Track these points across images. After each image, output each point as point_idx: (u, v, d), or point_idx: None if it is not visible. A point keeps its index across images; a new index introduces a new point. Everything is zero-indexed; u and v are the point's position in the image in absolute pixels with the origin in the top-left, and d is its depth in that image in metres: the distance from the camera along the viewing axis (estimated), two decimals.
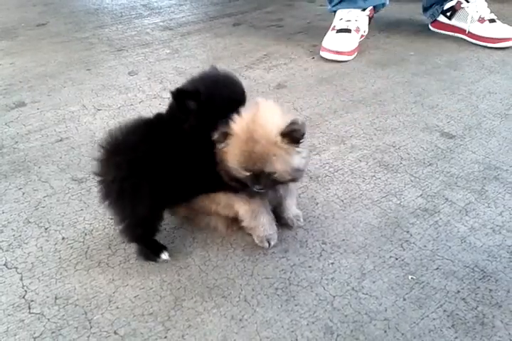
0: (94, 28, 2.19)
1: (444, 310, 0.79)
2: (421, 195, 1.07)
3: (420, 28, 1.98)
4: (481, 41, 1.77)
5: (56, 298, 0.83)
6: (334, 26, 1.83)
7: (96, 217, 1.02)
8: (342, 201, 1.05)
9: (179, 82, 1.59)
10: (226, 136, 0.79)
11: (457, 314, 0.79)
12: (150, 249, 0.90)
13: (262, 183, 0.80)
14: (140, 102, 1.50)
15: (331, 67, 1.68)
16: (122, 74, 1.71)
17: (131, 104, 1.49)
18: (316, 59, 1.76)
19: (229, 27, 2.14)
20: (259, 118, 0.78)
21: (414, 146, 1.24)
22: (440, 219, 1.00)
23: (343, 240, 0.95)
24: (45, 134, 1.34)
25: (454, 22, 1.86)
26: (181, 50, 1.89)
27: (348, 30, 1.78)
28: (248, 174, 0.79)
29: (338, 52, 1.72)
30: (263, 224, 0.92)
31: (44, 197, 1.09)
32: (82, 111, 1.46)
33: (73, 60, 1.84)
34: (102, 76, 1.70)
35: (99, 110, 1.46)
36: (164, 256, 0.89)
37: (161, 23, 2.21)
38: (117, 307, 0.81)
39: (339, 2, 1.85)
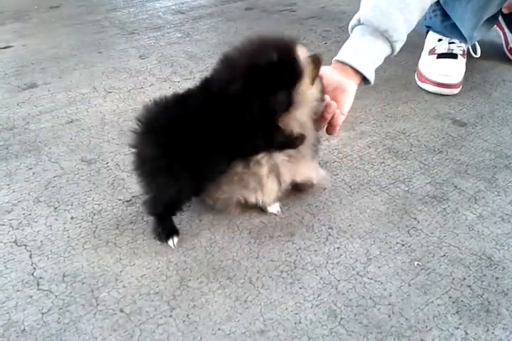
0: (107, 11, 2.19)
1: (450, 297, 0.79)
2: (430, 182, 1.06)
3: None
4: None
5: (64, 276, 0.84)
6: (433, 49, 1.50)
7: (105, 198, 1.03)
8: (350, 187, 1.05)
9: (190, 65, 1.60)
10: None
11: (462, 301, 0.79)
12: (163, 229, 0.91)
13: None
14: (150, 85, 1.50)
15: None
16: (133, 57, 1.70)
17: (142, 87, 1.49)
18: (329, 44, 1.74)
19: (241, 11, 2.13)
20: None
21: (425, 133, 1.23)
22: (448, 206, 0.99)
23: (350, 225, 0.95)
24: (56, 115, 1.34)
25: None
26: (192, 34, 1.88)
27: (453, 56, 1.46)
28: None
29: (445, 85, 1.40)
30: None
31: (54, 177, 1.10)
32: (93, 93, 1.46)
33: (85, 43, 1.84)
34: (113, 59, 1.70)
35: (109, 92, 1.46)
36: (171, 242, 0.90)
37: (173, 7, 2.20)
38: (124, 286, 0.82)
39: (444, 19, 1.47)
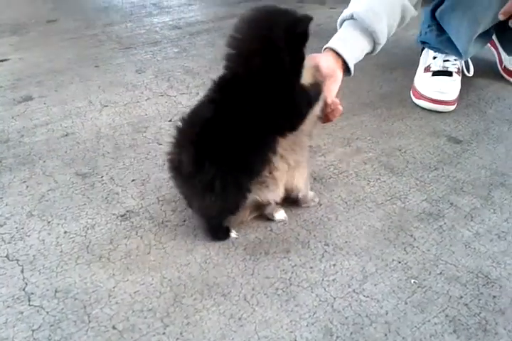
0: (104, 25, 2.19)
1: (446, 315, 0.79)
2: (426, 199, 1.06)
3: None
4: None
5: (56, 291, 0.83)
6: (428, 66, 1.51)
7: (98, 212, 1.02)
8: (346, 203, 1.05)
9: (186, 80, 1.61)
10: None
11: (459, 319, 0.78)
12: (220, 229, 0.93)
13: None
14: (146, 99, 1.50)
15: None
16: (130, 71, 1.71)
17: (138, 101, 1.49)
18: None
19: None
20: None
21: (421, 150, 1.23)
22: (445, 223, 0.99)
23: (346, 242, 0.94)
24: (51, 129, 1.34)
25: None
26: (189, 49, 1.89)
27: (448, 73, 1.47)
28: None
29: (440, 102, 1.41)
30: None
31: (48, 190, 1.09)
32: (89, 107, 1.46)
33: (82, 57, 1.84)
34: (110, 73, 1.70)
35: (105, 106, 1.46)
36: (233, 234, 0.93)
37: (171, 22, 2.21)
38: (117, 303, 0.81)
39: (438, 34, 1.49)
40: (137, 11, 2.38)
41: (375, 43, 1.10)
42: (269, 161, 0.86)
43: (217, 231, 0.94)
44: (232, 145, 0.81)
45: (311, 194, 1.03)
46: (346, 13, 1.10)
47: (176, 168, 0.87)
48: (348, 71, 1.07)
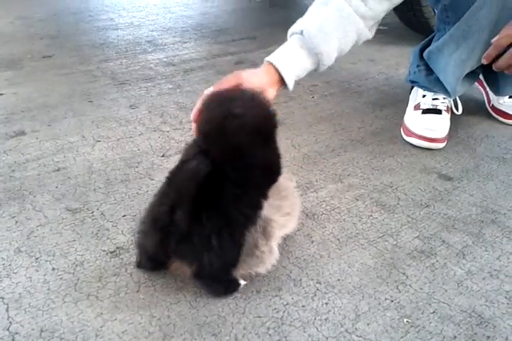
0: (99, 61, 2.23)
1: None
2: (418, 236, 1.06)
3: None
4: None
5: (42, 331, 0.81)
6: (418, 104, 1.53)
7: (88, 248, 1.01)
8: (338, 240, 1.04)
9: (180, 116, 1.62)
10: None
11: None
12: (229, 281, 0.89)
13: None
14: (140, 135, 1.51)
15: (330, 107, 1.70)
16: (123, 107, 1.72)
17: (131, 136, 1.49)
18: (316, 98, 1.78)
19: (231, 65, 2.18)
20: None
21: (412, 187, 1.24)
22: (437, 261, 0.98)
23: (338, 280, 0.93)
24: (43, 163, 1.34)
25: None
26: (183, 86, 1.92)
27: (437, 111, 1.49)
28: None
29: (430, 140, 1.42)
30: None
31: (37, 226, 1.08)
32: (81, 141, 1.46)
33: (76, 92, 1.86)
34: (103, 108, 1.71)
35: (98, 141, 1.46)
36: (242, 281, 0.89)
37: (165, 59, 2.25)
38: None
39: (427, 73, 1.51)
40: (132, 47, 2.43)
41: (319, 64, 1.10)
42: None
43: (229, 285, 0.89)
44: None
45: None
46: (298, 27, 1.10)
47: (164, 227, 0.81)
48: (285, 85, 1.07)
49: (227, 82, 0.96)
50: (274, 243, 0.89)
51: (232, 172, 0.79)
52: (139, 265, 0.94)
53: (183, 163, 0.81)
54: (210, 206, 0.79)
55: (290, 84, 1.07)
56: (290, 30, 1.12)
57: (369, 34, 1.17)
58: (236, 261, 0.84)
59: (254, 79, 1.00)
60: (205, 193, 0.77)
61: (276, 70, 1.04)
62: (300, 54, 1.08)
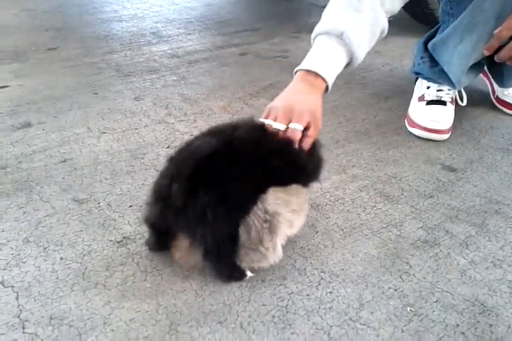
0: (104, 53, 2.23)
1: None
2: (421, 226, 1.07)
3: None
4: None
5: (51, 319, 0.82)
6: (422, 96, 1.54)
7: (95, 238, 1.02)
8: (342, 230, 1.05)
9: (184, 107, 1.63)
10: None
11: None
12: (235, 267, 0.89)
13: None
14: (145, 126, 1.51)
15: (334, 98, 1.71)
16: (128, 98, 1.73)
17: (136, 128, 1.50)
18: None
19: (235, 56, 2.19)
20: None
21: (416, 178, 1.24)
22: (440, 251, 0.99)
23: (342, 269, 0.94)
24: (49, 155, 1.35)
25: None
26: (188, 77, 1.92)
27: (442, 102, 1.50)
28: None
29: (434, 131, 1.42)
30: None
31: (44, 216, 1.09)
32: (87, 133, 1.47)
33: (81, 84, 1.87)
34: (109, 100, 1.72)
35: (103, 133, 1.47)
36: (249, 273, 0.90)
37: (169, 51, 2.25)
38: (112, 330, 0.80)
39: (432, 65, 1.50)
40: (136, 39, 2.43)
41: (351, 64, 1.06)
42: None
43: (233, 271, 0.90)
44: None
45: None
46: (333, 28, 1.02)
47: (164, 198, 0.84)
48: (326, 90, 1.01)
49: (278, 118, 0.92)
50: (280, 240, 0.89)
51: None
52: (148, 245, 0.98)
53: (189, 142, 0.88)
54: (211, 183, 0.82)
55: (331, 87, 1.02)
56: (318, 30, 1.05)
57: (386, 31, 1.14)
58: (233, 243, 0.85)
59: (303, 105, 0.94)
60: (208, 171, 0.81)
61: (318, 76, 0.98)
62: (339, 58, 1.02)
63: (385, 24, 1.10)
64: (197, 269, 0.92)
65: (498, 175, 1.25)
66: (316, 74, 0.98)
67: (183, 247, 0.90)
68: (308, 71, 0.99)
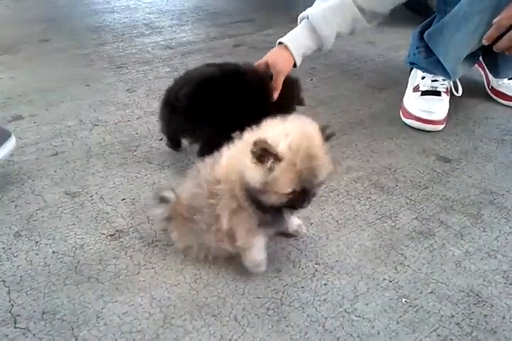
0: (96, 45, 2.21)
1: (438, 335, 0.78)
2: (416, 217, 1.06)
3: None
4: None
5: (43, 313, 0.82)
6: (417, 86, 1.53)
7: (87, 232, 1.01)
8: (337, 222, 1.05)
9: None
10: (275, 160, 0.73)
11: (451, 339, 0.78)
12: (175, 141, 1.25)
13: (311, 197, 0.79)
14: (137, 118, 1.50)
15: (328, 89, 1.70)
16: (121, 90, 1.71)
17: (129, 120, 1.49)
18: (315, 81, 1.77)
19: (229, 48, 2.17)
20: (296, 134, 0.75)
21: (410, 169, 1.24)
22: (435, 242, 0.99)
23: (337, 261, 0.94)
24: (41, 148, 1.33)
25: None
26: (181, 69, 1.90)
27: (436, 93, 1.50)
28: (295, 193, 0.76)
29: (428, 122, 1.42)
30: (259, 248, 0.88)
31: (36, 210, 1.08)
32: (79, 125, 1.46)
33: (73, 76, 1.85)
34: (101, 92, 1.70)
35: (96, 125, 1.46)
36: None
37: (162, 42, 2.23)
38: (105, 324, 0.80)
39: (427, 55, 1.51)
40: (129, 31, 2.40)
41: (321, 44, 1.30)
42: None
43: (172, 142, 1.25)
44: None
45: (297, 222, 1.00)
46: (305, 12, 1.30)
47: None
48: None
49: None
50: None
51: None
52: (167, 144, 1.28)
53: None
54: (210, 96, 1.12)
55: (298, 60, 1.27)
56: (300, 16, 1.32)
57: (366, 23, 1.33)
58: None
59: (278, 60, 1.25)
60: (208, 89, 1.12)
61: (287, 48, 1.26)
62: (305, 35, 1.28)
63: (357, 13, 1.30)
64: (193, 251, 0.92)
65: (493, 165, 1.25)
66: (281, 43, 1.29)
67: (179, 228, 0.91)
68: (279, 43, 1.30)
